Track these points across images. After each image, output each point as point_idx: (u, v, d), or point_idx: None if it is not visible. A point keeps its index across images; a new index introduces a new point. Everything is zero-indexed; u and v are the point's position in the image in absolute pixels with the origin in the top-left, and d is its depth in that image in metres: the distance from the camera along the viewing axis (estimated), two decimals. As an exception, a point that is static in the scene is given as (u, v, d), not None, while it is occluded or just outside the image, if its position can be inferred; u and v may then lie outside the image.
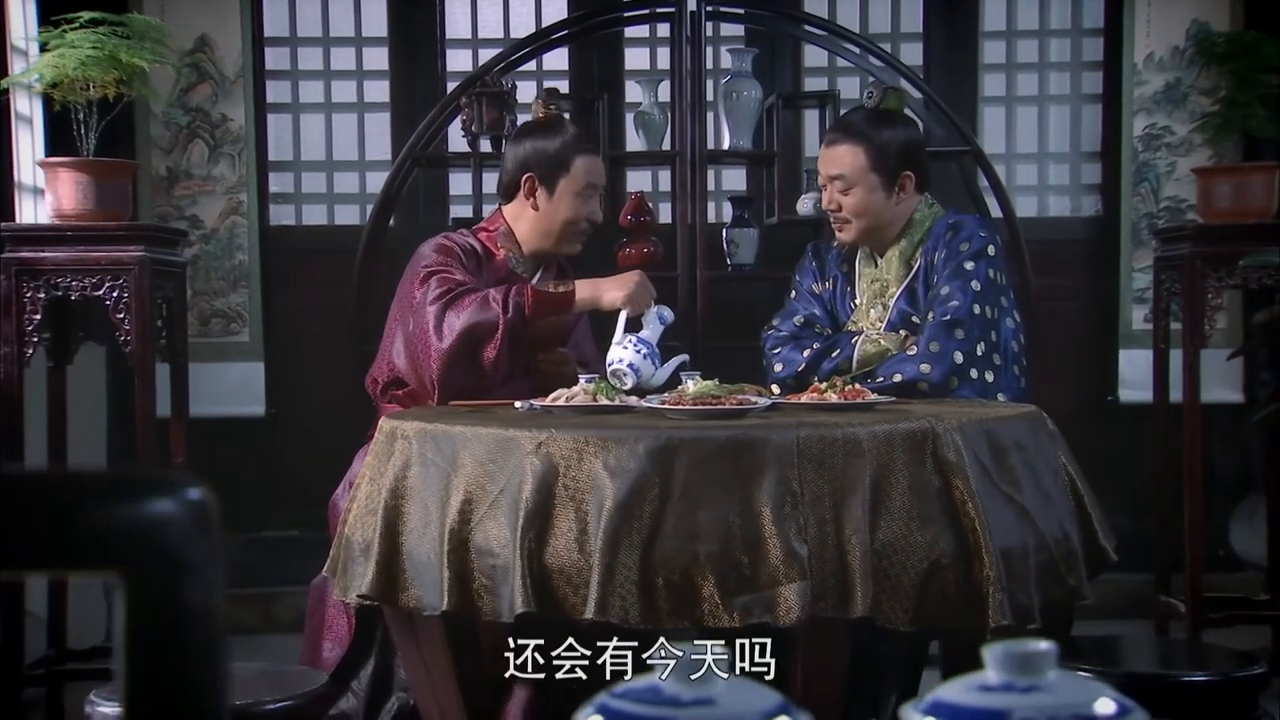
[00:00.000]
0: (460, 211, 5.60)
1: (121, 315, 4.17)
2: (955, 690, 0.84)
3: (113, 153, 5.46)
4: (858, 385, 2.98)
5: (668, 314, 3.58)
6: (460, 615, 2.55)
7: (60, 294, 4.18)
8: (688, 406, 2.78)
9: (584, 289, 3.62)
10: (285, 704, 2.38)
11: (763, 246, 5.19)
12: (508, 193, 3.84)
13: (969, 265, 3.53)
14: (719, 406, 2.76)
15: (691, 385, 3.08)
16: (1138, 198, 5.74)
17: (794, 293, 3.94)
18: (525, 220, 3.81)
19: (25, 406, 4.41)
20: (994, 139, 5.96)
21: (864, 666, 3.22)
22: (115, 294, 4.16)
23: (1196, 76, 5.58)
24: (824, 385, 2.99)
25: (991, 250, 3.59)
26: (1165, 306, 5.04)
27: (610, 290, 3.59)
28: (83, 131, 4.27)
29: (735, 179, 5.87)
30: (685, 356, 3.59)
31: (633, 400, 2.97)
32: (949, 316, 3.46)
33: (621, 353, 3.41)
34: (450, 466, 2.61)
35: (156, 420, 4.30)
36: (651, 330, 3.50)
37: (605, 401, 2.96)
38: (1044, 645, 0.83)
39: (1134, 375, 5.58)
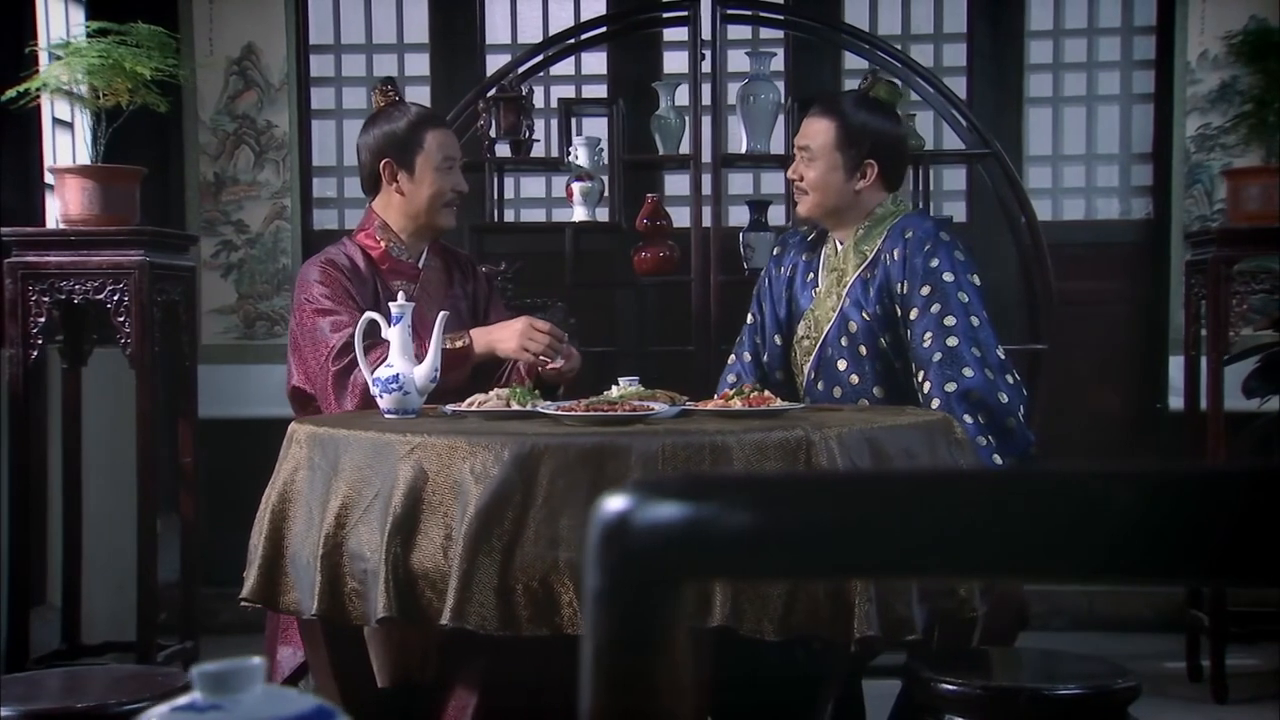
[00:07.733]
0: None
1: (122, 318, 4.27)
2: (163, 710, 0.83)
3: (162, 160, 5.61)
4: (766, 393, 2.93)
5: (396, 310, 3.18)
6: (330, 619, 2.56)
7: (64, 297, 4.29)
8: (582, 412, 2.76)
9: (479, 340, 3.56)
10: (138, 705, 2.40)
11: (779, 250, 5.14)
12: (372, 186, 3.84)
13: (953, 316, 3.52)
14: (611, 413, 2.74)
15: (616, 390, 3.07)
16: (1190, 200, 5.59)
17: (749, 316, 4.00)
18: (394, 207, 3.80)
19: (48, 408, 4.56)
20: (1039, 140, 5.84)
21: (799, 675, 3.19)
22: (116, 297, 4.26)
23: (1253, 74, 5.40)
24: (731, 392, 2.96)
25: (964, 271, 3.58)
26: (1195, 312, 4.88)
27: (503, 341, 3.54)
28: (92, 138, 4.38)
29: (775, 182, 5.81)
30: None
31: (543, 406, 2.95)
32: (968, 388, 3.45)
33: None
34: (332, 470, 2.63)
35: (157, 420, 4.41)
36: (398, 334, 3.15)
37: (517, 407, 2.95)
38: (248, 663, 0.81)
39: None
